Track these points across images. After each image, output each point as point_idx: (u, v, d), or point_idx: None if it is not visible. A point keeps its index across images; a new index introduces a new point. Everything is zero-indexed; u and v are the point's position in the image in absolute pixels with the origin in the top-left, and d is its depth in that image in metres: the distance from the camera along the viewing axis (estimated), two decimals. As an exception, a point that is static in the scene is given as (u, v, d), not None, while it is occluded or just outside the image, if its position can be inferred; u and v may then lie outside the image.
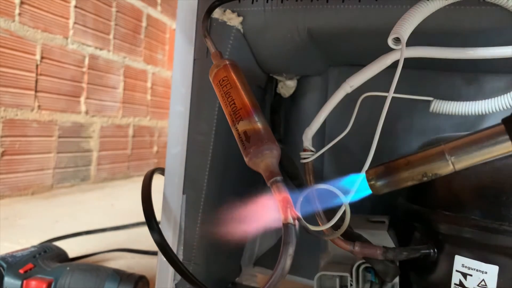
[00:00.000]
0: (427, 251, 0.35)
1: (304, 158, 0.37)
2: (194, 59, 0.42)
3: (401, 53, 0.28)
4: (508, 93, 0.30)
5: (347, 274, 0.36)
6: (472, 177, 0.32)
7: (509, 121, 0.23)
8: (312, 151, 0.37)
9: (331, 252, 0.40)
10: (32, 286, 0.49)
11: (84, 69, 1.53)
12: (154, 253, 0.74)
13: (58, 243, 0.66)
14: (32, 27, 1.28)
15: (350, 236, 0.35)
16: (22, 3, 1.23)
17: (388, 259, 0.34)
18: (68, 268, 0.52)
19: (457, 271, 0.32)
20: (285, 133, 0.54)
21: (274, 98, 0.54)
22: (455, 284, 0.32)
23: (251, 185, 0.52)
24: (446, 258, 0.33)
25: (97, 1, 1.56)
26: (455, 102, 0.33)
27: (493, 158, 0.24)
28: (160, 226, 0.39)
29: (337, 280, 0.37)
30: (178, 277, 0.42)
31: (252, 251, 0.54)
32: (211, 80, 0.31)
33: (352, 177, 0.26)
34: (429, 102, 0.34)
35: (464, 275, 0.32)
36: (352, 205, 0.25)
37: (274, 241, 0.56)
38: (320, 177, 0.52)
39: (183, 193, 0.42)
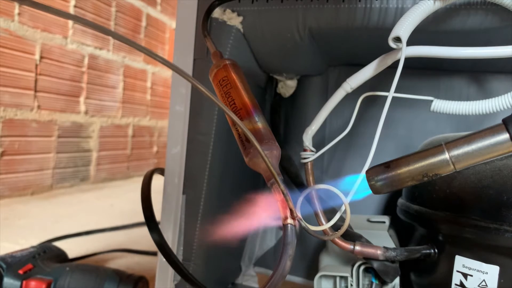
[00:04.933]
0: (428, 251, 0.35)
1: (304, 158, 0.37)
2: (194, 59, 0.42)
3: (401, 53, 0.28)
4: (509, 93, 0.30)
5: (348, 275, 0.36)
6: (473, 177, 0.32)
7: (509, 121, 0.23)
8: (312, 151, 0.36)
9: (331, 252, 0.40)
10: (32, 286, 0.49)
11: (84, 69, 1.53)
12: (153, 254, 0.74)
13: (57, 244, 0.66)
14: (31, 26, 1.28)
15: (350, 236, 0.35)
16: (21, 3, 1.23)
17: (389, 259, 0.34)
18: (67, 269, 0.52)
19: (457, 271, 0.32)
20: (285, 133, 0.54)
21: (274, 98, 0.53)
22: (455, 284, 0.32)
23: (251, 185, 0.52)
24: (446, 259, 0.33)
25: (96, 1, 1.56)
26: (455, 102, 0.33)
27: (493, 158, 0.24)
28: (159, 226, 0.39)
29: (338, 280, 0.37)
30: (178, 277, 0.42)
31: (252, 251, 0.54)
32: (211, 80, 0.31)
33: (352, 177, 0.26)
34: (429, 101, 0.34)
35: (465, 275, 0.32)
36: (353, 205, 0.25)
37: (274, 242, 0.56)
38: (320, 177, 0.52)
39: (183, 193, 0.42)
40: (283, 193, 0.23)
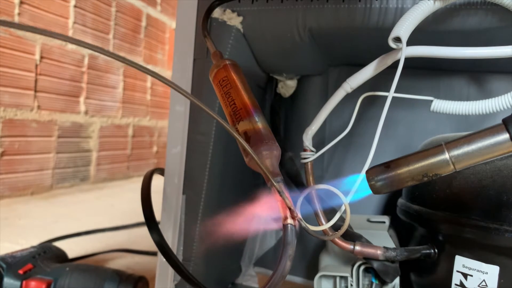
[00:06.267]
0: (428, 251, 0.35)
1: (304, 158, 0.37)
2: (194, 59, 0.42)
3: (401, 53, 0.28)
4: (509, 93, 0.30)
5: (348, 275, 0.36)
6: (473, 177, 0.32)
7: (509, 121, 0.23)
8: (312, 151, 0.36)
9: (331, 252, 0.40)
10: (32, 286, 0.49)
11: (84, 69, 1.53)
12: (154, 254, 0.74)
13: (57, 244, 0.66)
14: (31, 27, 1.28)
15: (350, 236, 0.35)
16: (21, 2, 1.23)
17: (389, 259, 0.34)
18: (67, 269, 0.52)
19: (457, 271, 0.32)
20: (285, 133, 0.54)
21: (274, 98, 0.53)
22: (455, 284, 0.32)
23: (251, 185, 0.52)
24: (446, 259, 0.33)
25: (96, 1, 1.56)
26: (455, 102, 0.33)
27: (493, 158, 0.24)
28: (159, 226, 0.39)
29: (337, 280, 0.37)
30: (178, 277, 0.42)
31: (252, 251, 0.54)
32: (211, 80, 0.31)
33: (352, 177, 0.26)
34: (429, 101, 0.34)
35: (465, 275, 0.32)
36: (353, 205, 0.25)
37: (274, 242, 0.56)
38: (320, 177, 0.52)
39: (183, 193, 0.42)
40: (279, 193, 0.23)
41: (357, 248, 0.34)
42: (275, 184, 0.23)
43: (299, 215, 0.24)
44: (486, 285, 0.30)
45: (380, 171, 0.26)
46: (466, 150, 0.24)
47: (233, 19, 0.40)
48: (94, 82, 1.59)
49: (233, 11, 0.40)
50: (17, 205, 1.17)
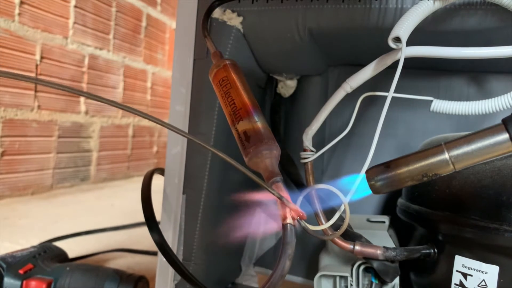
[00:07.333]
0: (427, 251, 0.35)
1: (304, 158, 0.37)
2: (194, 59, 0.42)
3: (401, 53, 0.28)
4: (508, 93, 0.30)
5: (347, 274, 0.36)
6: (472, 177, 0.32)
7: (509, 121, 0.23)
8: (312, 151, 0.37)
9: (331, 252, 0.40)
10: (32, 286, 0.49)
11: (84, 69, 1.53)
12: (154, 253, 0.74)
13: (58, 243, 0.66)
14: (32, 27, 1.28)
15: (350, 236, 0.35)
16: (22, 3, 1.23)
17: (388, 259, 0.34)
18: (68, 268, 0.52)
19: (457, 271, 0.32)
20: (285, 133, 0.54)
21: (274, 98, 0.53)
22: (455, 284, 0.32)
23: (251, 185, 0.52)
24: (446, 258, 0.33)
25: (97, 1, 1.56)
26: (455, 102, 0.33)
27: (493, 158, 0.24)
28: (160, 226, 0.39)
29: (337, 280, 0.37)
30: (178, 277, 0.42)
31: (252, 251, 0.54)
32: (211, 80, 0.31)
33: (352, 177, 0.26)
34: (429, 101, 0.34)
35: (465, 275, 0.32)
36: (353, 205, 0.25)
37: (274, 241, 0.56)
38: (320, 177, 0.52)
39: (183, 193, 0.42)
40: (272, 194, 0.23)
41: (357, 247, 0.34)
42: (267, 187, 0.23)
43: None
44: (486, 285, 0.30)
45: (380, 171, 0.26)
46: (465, 150, 0.24)
47: (233, 19, 0.40)
48: (94, 82, 1.59)
49: (233, 11, 0.40)
50: (17, 205, 1.17)
